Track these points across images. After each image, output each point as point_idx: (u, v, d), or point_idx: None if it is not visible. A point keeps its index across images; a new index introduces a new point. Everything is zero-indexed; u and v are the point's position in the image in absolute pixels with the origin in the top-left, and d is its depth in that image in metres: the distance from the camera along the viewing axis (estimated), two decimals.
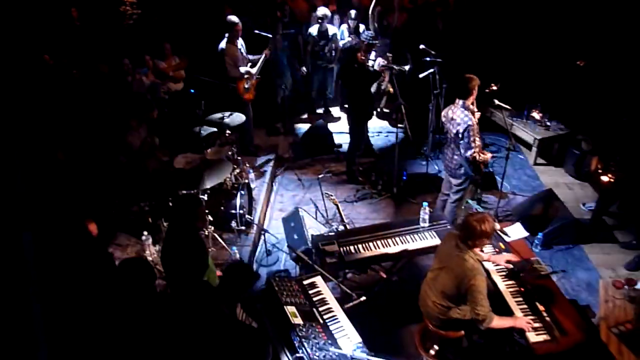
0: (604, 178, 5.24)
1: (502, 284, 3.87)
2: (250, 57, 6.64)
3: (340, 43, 7.66)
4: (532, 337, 3.41)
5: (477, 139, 4.67)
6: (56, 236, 3.53)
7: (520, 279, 3.87)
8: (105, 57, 6.66)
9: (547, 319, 3.54)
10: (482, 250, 3.90)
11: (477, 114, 4.77)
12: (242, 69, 6.39)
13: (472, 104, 4.72)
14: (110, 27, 7.22)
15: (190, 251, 3.57)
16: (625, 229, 5.53)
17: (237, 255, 4.97)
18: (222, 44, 6.30)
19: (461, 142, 4.69)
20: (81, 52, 6.53)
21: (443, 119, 4.94)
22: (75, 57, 6.41)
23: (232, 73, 6.35)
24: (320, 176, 6.50)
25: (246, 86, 6.45)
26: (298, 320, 3.35)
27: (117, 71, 6.49)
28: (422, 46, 6.30)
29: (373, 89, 7.22)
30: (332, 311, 3.56)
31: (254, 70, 6.50)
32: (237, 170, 5.78)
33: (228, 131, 5.76)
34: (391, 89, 6.23)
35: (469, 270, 3.32)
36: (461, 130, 4.61)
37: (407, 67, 6.71)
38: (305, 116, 8.37)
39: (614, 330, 3.56)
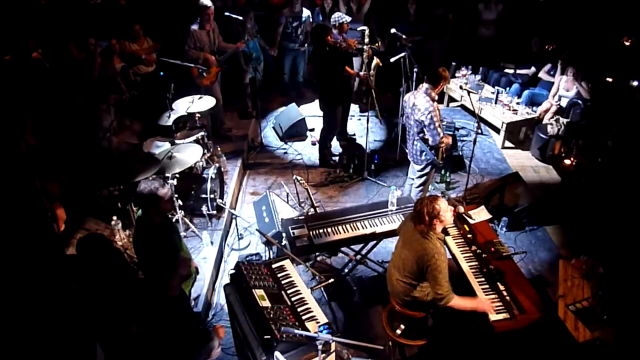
0: (567, 161, 5.41)
1: (465, 265, 3.99)
2: (224, 44, 6.54)
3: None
4: (492, 315, 3.54)
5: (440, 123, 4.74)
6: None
7: (483, 260, 3.99)
8: (72, 38, 6.47)
9: (507, 298, 3.67)
10: (446, 229, 3.99)
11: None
12: (203, 54, 6.27)
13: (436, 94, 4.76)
14: (77, 7, 6.99)
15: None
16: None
17: None
18: (192, 27, 6.20)
19: (426, 129, 4.74)
20: (47, 33, 6.32)
21: (404, 104, 5.00)
22: (41, 39, 6.20)
23: (190, 55, 6.24)
24: (290, 160, 6.51)
25: (200, 71, 6.25)
26: (266, 303, 3.40)
27: (86, 53, 6.31)
28: (393, 30, 6.31)
29: (357, 66, 7.14)
30: (300, 293, 3.62)
31: (213, 58, 6.34)
32: (208, 154, 5.75)
33: (198, 114, 5.70)
34: (379, 63, 6.14)
35: (429, 249, 3.40)
36: (424, 119, 4.64)
37: (377, 45, 6.62)
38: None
39: (571, 307, 3.71)
